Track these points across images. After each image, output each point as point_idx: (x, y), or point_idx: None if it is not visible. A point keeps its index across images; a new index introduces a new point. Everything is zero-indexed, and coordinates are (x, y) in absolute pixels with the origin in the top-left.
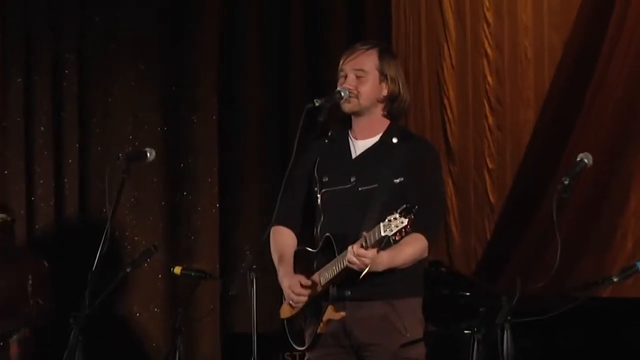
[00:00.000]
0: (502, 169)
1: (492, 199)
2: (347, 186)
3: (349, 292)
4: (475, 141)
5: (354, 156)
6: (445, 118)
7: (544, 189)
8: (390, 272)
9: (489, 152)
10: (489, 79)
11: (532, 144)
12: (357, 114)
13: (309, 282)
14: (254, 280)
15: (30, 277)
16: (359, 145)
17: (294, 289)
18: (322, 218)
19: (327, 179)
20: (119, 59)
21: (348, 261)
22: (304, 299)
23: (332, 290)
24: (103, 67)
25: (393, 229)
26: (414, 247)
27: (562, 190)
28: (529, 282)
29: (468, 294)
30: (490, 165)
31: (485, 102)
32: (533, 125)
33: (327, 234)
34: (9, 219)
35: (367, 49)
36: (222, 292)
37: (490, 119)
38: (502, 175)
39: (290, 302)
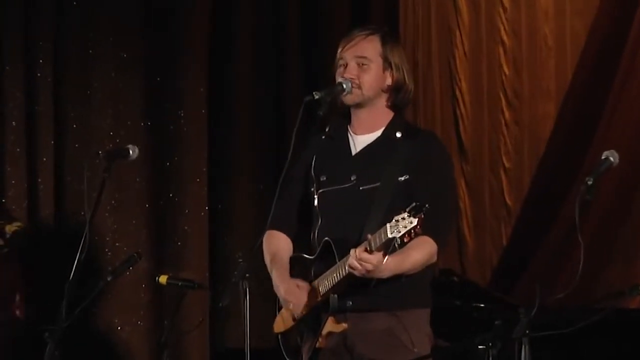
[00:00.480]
0: (519, 168)
1: (508, 201)
2: (347, 185)
3: (350, 303)
4: (491, 137)
5: (353, 153)
6: (458, 112)
7: (565, 190)
8: (396, 280)
9: (505, 149)
10: (506, 69)
11: (553, 141)
12: (359, 105)
13: (306, 284)
14: (247, 290)
15: (9, 281)
16: (359, 141)
17: (292, 292)
18: (320, 221)
19: (324, 178)
20: (98, 47)
21: (349, 266)
22: (304, 301)
23: (333, 300)
24: (81, 56)
25: (401, 229)
26: (422, 252)
27: (585, 191)
28: (549, 292)
29: (482, 305)
30: (506, 164)
31: (502, 95)
32: (554, 120)
33: (326, 238)
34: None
35: (368, 35)
36: (212, 304)
37: (506, 113)
38: (520, 175)
39: (291, 307)
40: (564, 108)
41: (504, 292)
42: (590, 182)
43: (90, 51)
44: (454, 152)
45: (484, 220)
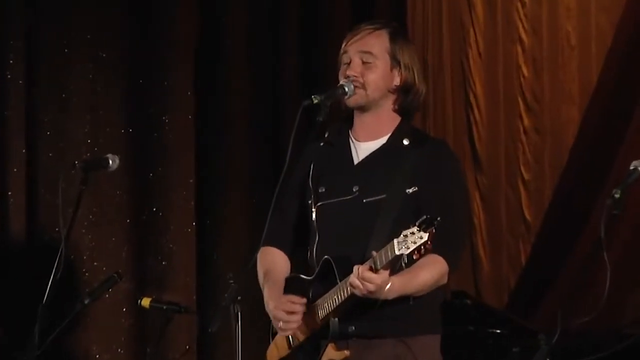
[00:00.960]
0: (539, 180)
1: (527, 216)
2: (349, 197)
3: (354, 328)
4: (508, 146)
5: (356, 161)
6: (471, 118)
7: (590, 203)
8: (404, 302)
9: (524, 159)
10: (524, 70)
11: (577, 149)
12: (363, 108)
13: (302, 300)
14: (239, 314)
15: None
16: (362, 148)
17: (283, 306)
18: (318, 237)
19: (324, 190)
20: (74, 45)
21: (350, 284)
22: (297, 318)
23: (334, 324)
24: (56, 55)
25: (410, 245)
26: (432, 272)
27: (612, 205)
28: (572, 317)
29: (498, 331)
30: (525, 175)
31: (520, 99)
32: (577, 126)
33: (326, 256)
34: None
35: (376, 29)
36: (200, 329)
37: (525, 119)
38: (540, 187)
39: (280, 326)
40: (589, 113)
41: (523, 316)
42: (617, 195)
43: (66, 50)
44: (468, 162)
45: (500, 238)
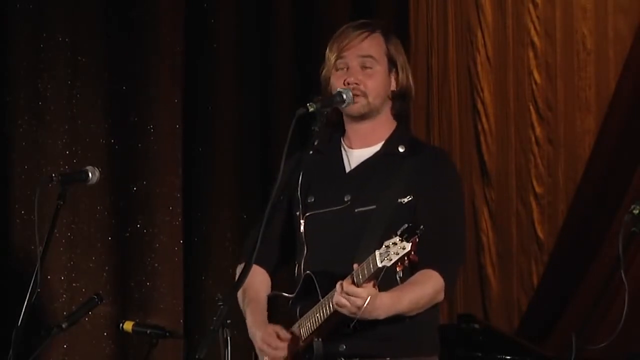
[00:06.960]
0: (553, 195)
1: (540, 234)
2: (340, 207)
3: (345, 347)
4: (519, 158)
5: (348, 169)
6: (480, 128)
7: (608, 220)
8: (399, 320)
9: (536, 172)
10: (536, 76)
11: (593, 162)
12: (363, 116)
13: (288, 334)
14: (229, 339)
15: None
16: (354, 156)
17: (269, 341)
18: (306, 251)
19: (313, 199)
20: (51, 49)
21: (336, 303)
22: (283, 353)
23: (317, 346)
24: (30, 60)
25: (392, 257)
26: (426, 288)
27: (631, 221)
28: (588, 342)
29: (508, 357)
30: (537, 190)
31: (532, 107)
32: (594, 137)
33: (308, 272)
34: None
35: (371, 33)
36: (187, 355)
37: (537, 129)
38: (554, 202)
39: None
40: (606, 122)
41: (534, 341)
42: (636, 211)
43: (42, 54)
44: (475, 175)
45: (510, 257)
